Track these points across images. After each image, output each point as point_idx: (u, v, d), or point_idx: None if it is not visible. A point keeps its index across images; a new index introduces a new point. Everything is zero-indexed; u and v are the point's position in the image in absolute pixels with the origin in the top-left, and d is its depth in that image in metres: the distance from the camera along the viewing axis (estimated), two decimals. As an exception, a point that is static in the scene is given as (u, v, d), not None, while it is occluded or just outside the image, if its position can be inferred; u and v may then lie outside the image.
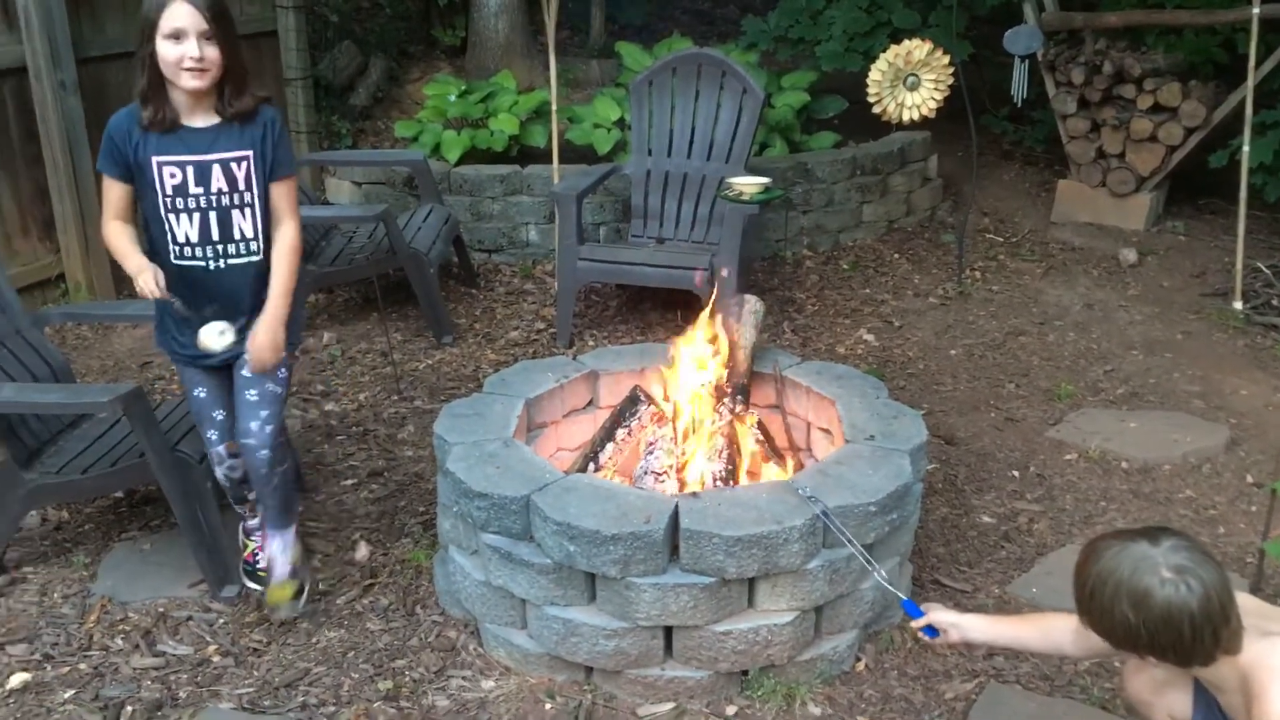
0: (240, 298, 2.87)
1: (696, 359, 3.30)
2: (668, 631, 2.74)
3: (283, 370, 2.93)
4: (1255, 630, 1.84)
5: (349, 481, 3.87)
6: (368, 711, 2.76)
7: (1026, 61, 5.71)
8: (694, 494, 2.84)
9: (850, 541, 2.60)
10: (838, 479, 2.80)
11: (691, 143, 5.29)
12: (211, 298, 2.84)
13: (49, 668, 2.90)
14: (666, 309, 5.19)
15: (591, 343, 4.94)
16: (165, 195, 2.73)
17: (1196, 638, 1.77)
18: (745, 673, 2.78)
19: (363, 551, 3.43)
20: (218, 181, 2.75)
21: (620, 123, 6.11)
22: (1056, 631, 2.22)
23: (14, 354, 3.33)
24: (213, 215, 2.77)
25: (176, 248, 2.78)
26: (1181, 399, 4.41)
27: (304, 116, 6.62)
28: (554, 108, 5.44)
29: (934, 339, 5.02)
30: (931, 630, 2.33)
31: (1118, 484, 3.77)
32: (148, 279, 2.62)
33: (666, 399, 3.31)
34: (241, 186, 2.78)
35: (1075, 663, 2.87)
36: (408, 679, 2.88)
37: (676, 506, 2.69)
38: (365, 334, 5.13)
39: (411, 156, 5.77)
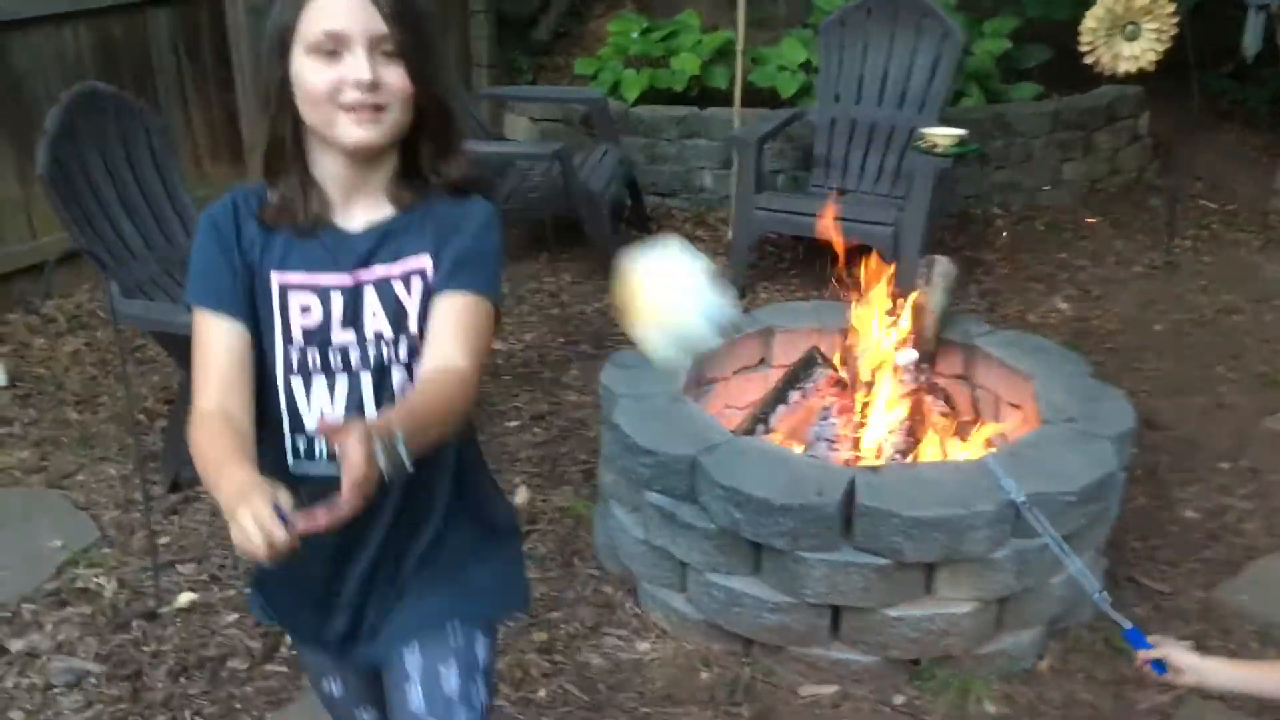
0: (415, 512, 1.57)
1: (880, 322, 3.10)
2: (835, 611, 2.58)
3: (482, 642, 1.61)
4: None
5: (512, 423, 3.82)
6: (521, 663, 2.70)
7: (1263, 13, 5.17)
8: (873, 468, 2.65)
9: (1082, 574, 2.19)
10: (1033, 463, 2.57)
11: (883, 89, 4.99)
12: (356, 523, 1.31)
13: (215, 589, 2.95)
14: (846, 265, 4.95)
15: (764, 295, 4.76)
16: (291, 343, 1.50)
17: None
18: (916, 662, 2.61)
19: (523, 496, 3.38)
20: (374, 319, 1.49)
21: (806, 65, 5.83)
22: None
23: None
24: (365, 379, 1.50)
25: (304, 440, 1.52)
26: None
27: (486, 50, 6.59)
28: (739, 48, 5.21)
29: (1136, 311, 4.65)
30: (1160, 666, 2.06)
31: (1343, 485, 3.41)
32: (260, 515, 1.20)
33: (845, 362, 3.12)
34: (412, 324, 1.50)
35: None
36: (562, 633, 2.81)
37: (853, 480, 2.52)
38: (535, 274, 5.07)
39: (589, 95, 5.66)
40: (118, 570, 3.02)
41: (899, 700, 2.58)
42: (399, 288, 1.50)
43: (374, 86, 1.40)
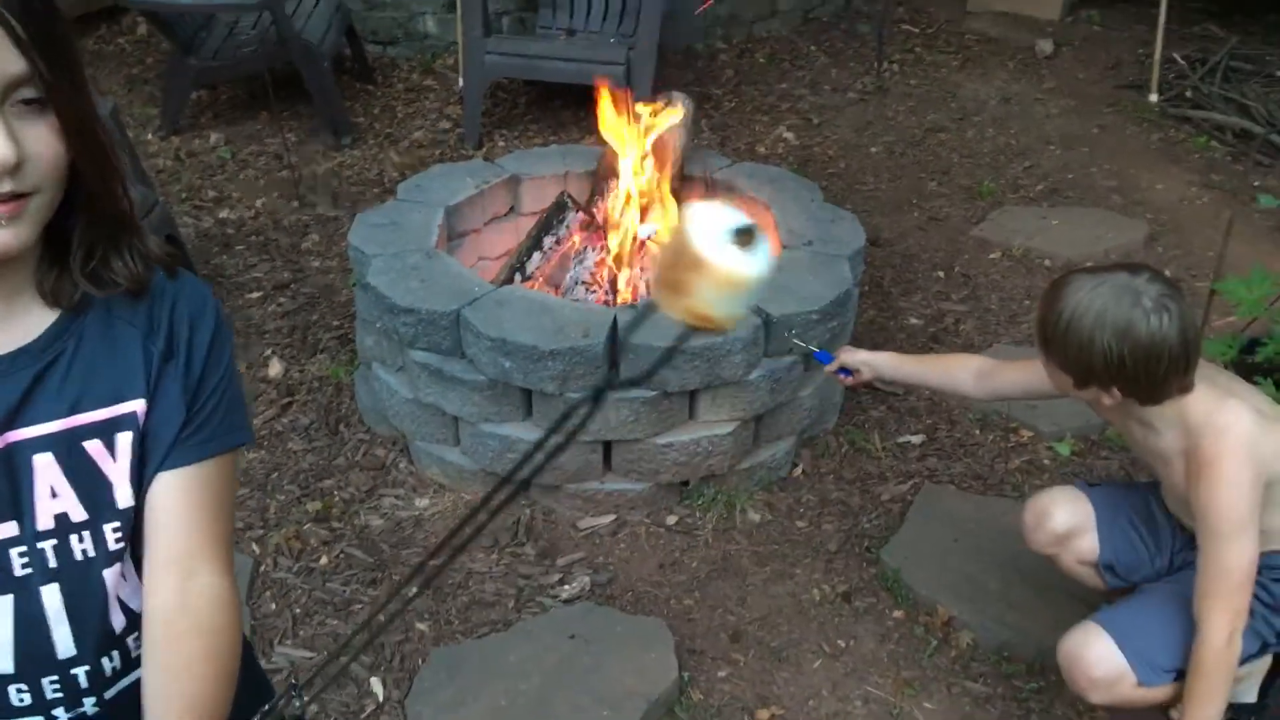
0: None
1: (625, 162, 3.13)
2: (607, 445, 2.68)
3: None
4: (1204, 378, 1.85)
5: (254, 294, 3.66)
6: (299, 534, 2.67)
7: None
8: (632, 306, 2.73)
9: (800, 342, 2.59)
10: (779, 287, 2.72)
11: (601, -77, 4.92)
12: None
13: None
14: (579, 106, 4.93)
15: (502, 143, 4.69)
16: None
17: (1172, 369, 1.78)
18: (685, 483, 2.76)
19: (276, 368, 3.27)
20: (51, 500, 0.98)
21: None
22: (959, 371, 2.32)
23: None
24: (49, 593, 0.99)
25: None
26: (1100, 195, 4.40)
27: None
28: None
29: (854, 136, 4.90)
30: (846, 371, 2.42)
31: (1041, 282, 3.78)
32: None
33: (594, 205, 3.16)
34: (121, 498, 1.00)
35: (1006, 460, 2.92)
36: (337, 499, 2.79)
37: (615, 319, 2.59)
38: (255, 135, 4.78)
39: (294, -63, 5.27)
40: None
41: (672, 520, 2.74)
42: (94, 448, 0.98)
43: (16, 168, 0.86)
